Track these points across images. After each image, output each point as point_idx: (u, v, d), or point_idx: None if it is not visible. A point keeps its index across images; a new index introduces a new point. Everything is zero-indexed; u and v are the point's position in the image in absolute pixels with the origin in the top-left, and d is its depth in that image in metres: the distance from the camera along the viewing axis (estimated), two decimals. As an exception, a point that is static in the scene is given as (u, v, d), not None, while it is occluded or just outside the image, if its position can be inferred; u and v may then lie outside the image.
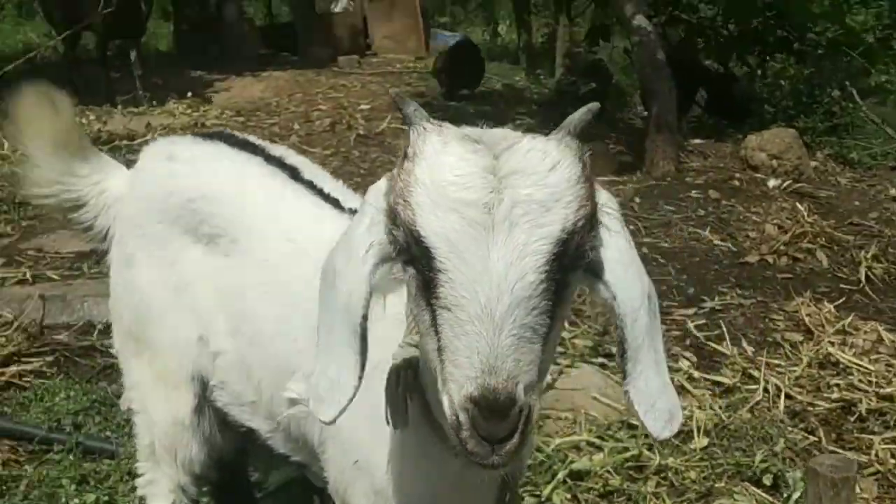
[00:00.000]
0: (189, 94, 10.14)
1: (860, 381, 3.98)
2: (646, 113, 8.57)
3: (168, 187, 2.22)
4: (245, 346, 2.04)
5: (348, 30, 14.40)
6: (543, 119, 9.42)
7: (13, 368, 3.72)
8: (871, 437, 3.65)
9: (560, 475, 3.23)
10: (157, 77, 11.13)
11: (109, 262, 2.39)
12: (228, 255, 2.11)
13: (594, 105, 1.39)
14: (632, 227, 6.03)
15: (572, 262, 1.25)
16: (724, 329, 4.62)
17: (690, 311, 4.93)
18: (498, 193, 1.21)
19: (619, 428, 3.59)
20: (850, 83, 9.28)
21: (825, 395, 3.94)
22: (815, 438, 3.63)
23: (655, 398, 1.33)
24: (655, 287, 4.59)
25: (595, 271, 1.33)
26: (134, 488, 3.00)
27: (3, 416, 3.43)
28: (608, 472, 3.26)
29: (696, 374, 4.16)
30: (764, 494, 3.14)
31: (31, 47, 12.32)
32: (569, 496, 3.14)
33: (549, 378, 3.84)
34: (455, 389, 1.18)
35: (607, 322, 4.76)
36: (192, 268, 2.15)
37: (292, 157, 2.30)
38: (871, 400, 3.83)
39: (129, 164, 2.48)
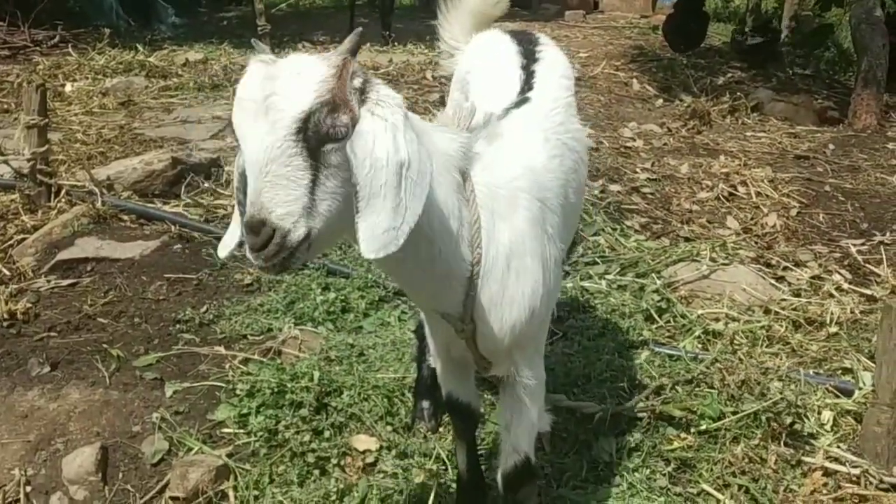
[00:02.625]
0: (427, 38, 11.27)
1: None
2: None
3: (462, 63, 3.00)
4: None
5: (579, -12, 15.03)
6: (754, 74, 9.69)
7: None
8: None
9: (697, 332, 3.88)
10: (399, 23, 12.40)
11: None
12: None
13: (359, 29, 1.86)
14: (819, 168, 6.41)
15: (317, 134, 1.69)
16: (886, 256, 4.96)
17: (858, 241, 5.29)
18: (263, 91, 1.69)
19: (758, 311, 4.15)
20: None
21: (966, 312, 4.26)
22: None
23: (378, 234, 1.73)
24: (830, 220, 5.18)
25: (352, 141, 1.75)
26: (362, 296, 4.05)
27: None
28: (738, 335, 3.86)
29: (847, 286, 4.58)
30: (870, 363, 3.62)
31: None
32: (700, 347, 3.79)
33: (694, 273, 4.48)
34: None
35: (772, 240, 5.30)
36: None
37: (548, 53, 2.75)
38: None
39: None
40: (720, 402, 3.16)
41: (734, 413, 3.09)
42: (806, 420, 3.14)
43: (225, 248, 1.96)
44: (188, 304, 3.92)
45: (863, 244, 5.25)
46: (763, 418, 3.04)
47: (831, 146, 7.03)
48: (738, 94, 8.30)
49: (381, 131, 1.75)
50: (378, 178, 1.73)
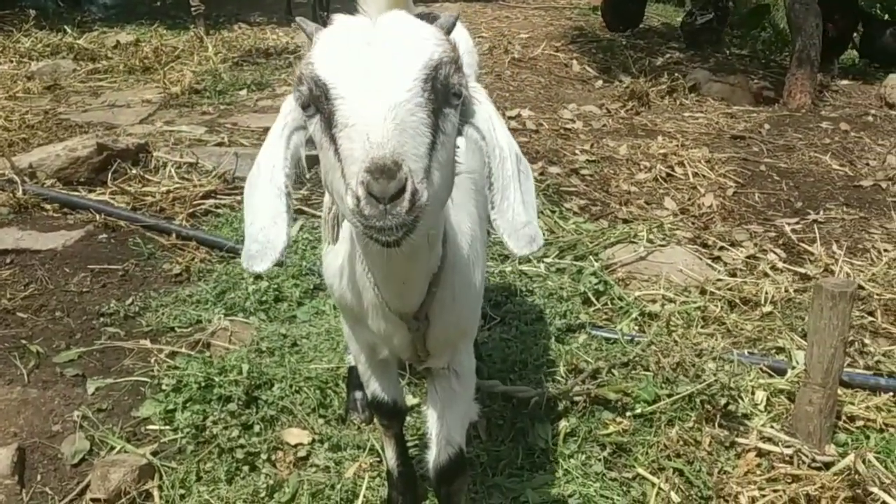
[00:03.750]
0: (367, 18, 11.12)
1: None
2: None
3: None
4: None
5: (519, -32, 14.95)
6: (692, 54, 9.75)
7: (211, 201, 4.74)
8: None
9: (634, 314, 3.87)
10: (337, 3, 12.20)
11: None
12: None
13: (456, 14, 1.73)
14: (755, 148, 6.46)
15: (444, 90, 1.53)
16: (819, 235, 5.01)
17: (792, 220, 5.34)
18: (376, 35, 1.52)
19: (694, 291, 4.16)
20: None
21: (894, 290, 4.32)
22: (872, 319, 4.05)
23: (519, 228, 1.66)
24: (765, 200, 5.17)
25: (469, 119, 1.67)
26: (296, 285, 3.95)
27: (202, 231, 4.44)
28: (674, 316, 3.86)
29: (781, 265, 4.61)
30: (803, 341, 3.63)
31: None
32: (637, 328, 3.78)
33: (632, 255, 4.49)
34: (353, 180, 1.39)
35: (709, 220, 5.32)
36: None
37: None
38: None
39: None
40: (655, 385, 3.15)
41: (669, 396, 3.08)
42: (740, 401, 3.14)
43: (268, 256, 1.65)
44: (113, 296, 3.78)
45: (797, 223, 5.29)
46: (697, 400, 3.04)
47: (767, 126, 7.11)
48: (676, 74, 8.33)
49: (497, 119, 1.68)
50: (507, 168, 1.66)
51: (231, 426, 2.88)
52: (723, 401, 3.06)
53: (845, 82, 8.79)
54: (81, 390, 3.13)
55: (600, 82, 8.62)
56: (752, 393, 3.22)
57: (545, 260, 4.37)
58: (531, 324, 3.72)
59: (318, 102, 1.52)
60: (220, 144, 5.59)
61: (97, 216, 4.41)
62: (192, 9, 9.71)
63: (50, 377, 3.20)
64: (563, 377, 3.28)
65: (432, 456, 2.36)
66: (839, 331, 2.83)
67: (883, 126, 7.11)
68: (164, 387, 3.08)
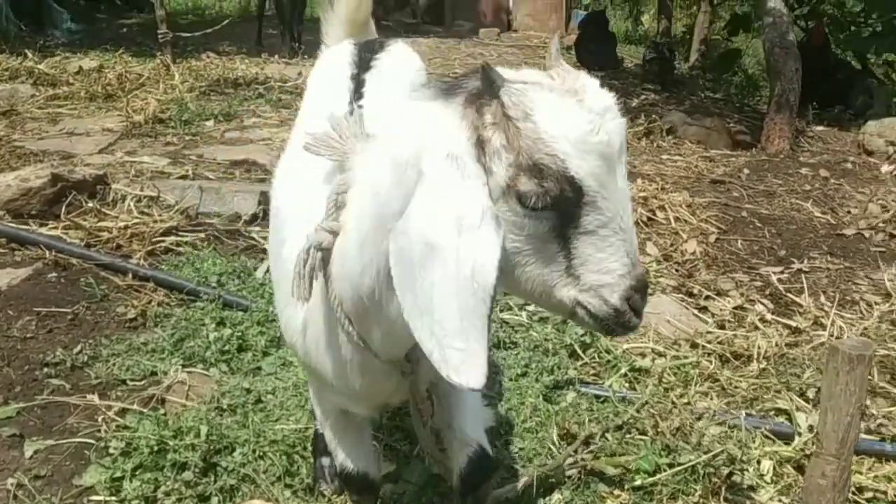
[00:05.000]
0: (337, 50, 10.94)
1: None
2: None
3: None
4: None
5: (493, 6, 14.97)
6: (667, 97, 9.70)
7: (172, 238, 4.44)
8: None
9: (623, 370, 3.64)
10: (309, 35, 12.01)
11: None
12: None
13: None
14: (735, 193, 6.33)
15: None
16: (806, 285, 4.84)
17: (777, 269, 5.17)
18: (606, 130, 1.44)
19: (684, 345, 3.94)
20: None
21: (889, 345, 4.14)
22: (868, 377, 3.85)
23: None
24: (749, 247, 5.02)
25: None
26: (262, 332, 3.66)
27: (161, 271, 4.13)
28: (665, 371, 3.63)
29: (770, 317, 4.43)
30: (803, 402, 3.44)
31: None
32: (627, 385, 3.54)
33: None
34: (608, 291, 1.44)
35: (693, 268, 5.13)
36: None
37: (385, 60, 2.47)
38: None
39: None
40: (655, 453, 2.90)
41: (671, 466, 2.83)
42: (745, 472, 2.90)
43: (479, 372, 1.42)
44: (60, 343, 3.46)
45: (782, 272, 5.12)
46: (701, 472, 2.79)
47: (746, 171, 6.99)
48: (653, 116, 8.22)
49: None
50: None
51: (185, 498, 2.58)
52: (726, 471, 2.82)
53: (820, 128, 8.75)
54: (18, 453, 2.80)
55: (576, 122, 8.47)
56: (758, 462, 2.99)
57: (527, 307, 4.13)
58: (516, 379, 3.46)
59: (562, 204, 1.42)
60: (183, 177, 5.30)
61: (47, 253, 4.09)
62: (160, 36, 9.43)
63: (-16, 436, 2.87)
64: (554, 443, 3.02)
65: (452, 466, 2.14)
66: (856, 397, 2.60)
67: (862, 173, 7.02)
68: (111, 450, 2.76)
